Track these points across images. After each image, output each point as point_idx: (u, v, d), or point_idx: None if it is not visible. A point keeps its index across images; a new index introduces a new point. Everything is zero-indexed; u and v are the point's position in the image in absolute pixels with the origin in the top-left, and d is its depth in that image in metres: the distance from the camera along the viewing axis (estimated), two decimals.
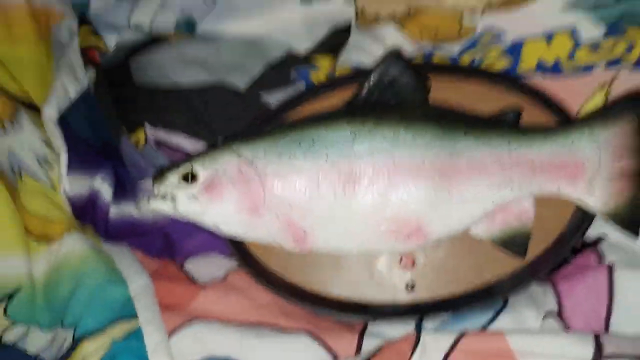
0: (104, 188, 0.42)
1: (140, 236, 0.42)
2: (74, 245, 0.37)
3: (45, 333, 0.36)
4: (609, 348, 0.31)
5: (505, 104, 0.37)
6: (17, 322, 0.37)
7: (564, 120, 0.37)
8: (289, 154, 0.34)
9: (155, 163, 0.43)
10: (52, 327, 0.36)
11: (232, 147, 0.35)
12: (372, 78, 0.35)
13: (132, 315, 0.35)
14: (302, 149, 0.33)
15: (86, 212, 0.42)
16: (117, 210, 0.43)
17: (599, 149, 0.34)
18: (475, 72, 0.39)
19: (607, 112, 0.34)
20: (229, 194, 0.33)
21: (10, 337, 0.37)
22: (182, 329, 0.35)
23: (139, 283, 0.36)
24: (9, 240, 0.37)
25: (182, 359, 0.33)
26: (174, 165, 0.35)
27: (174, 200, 0.34)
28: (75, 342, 0.33)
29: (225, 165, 0.34)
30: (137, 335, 0.33)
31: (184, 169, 0.34)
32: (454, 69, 0.40)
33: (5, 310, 0.37)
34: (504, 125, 0.35)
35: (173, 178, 0.34)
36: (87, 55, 0.46)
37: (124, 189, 0.44)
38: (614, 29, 0.38)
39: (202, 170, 0.34)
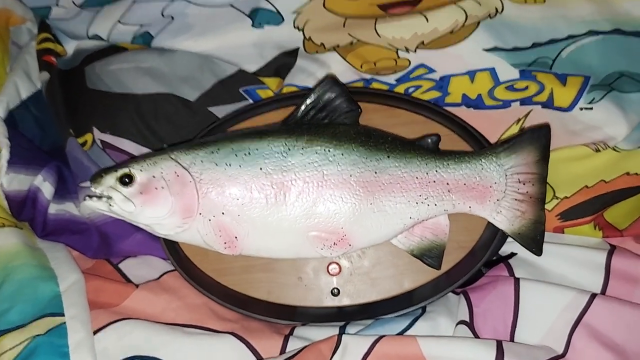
0: (44, 186, 0.40)
1: (78, 234, 0.40)
2: (5, 240, 0.35)
3: None
4: (508, 355, 0.33)
5: (428, 129, 0.39)
6: None
7: (478, 147, 0.39)
8: (225, 162, 0.34)
9: (100, 164, 0.42)
10: None
11: (171, 154, 0.34)
12: (309, 99, 0.36)
13: (60, 312, 0.33)
14: (237, 159, 0.34)
15: (25, 209, 0.40)
16: (58, 209, 0.41)
17: (505, 175, 0.36)
18: (404, 100, 0.41)
19: (512, 143, 0.36)
20: (163, 198, 0.33)
21: None
22: (109, 327, 0.33)
23: (70, 280, 0.35)
24: None
25: (105, 356, 0.32)
26: (113, 167, 0.35)
27: (109, 200, 0.33)
28: None
29: (162, 170, 0.34)
30: (60, 331, 0.32)
31: (121, 171, 0.33)
32: (386, 95, 0.41)
33: None
34: (424, 148, 0.36)
35: (110, 179, 0.33)
36: (44, 59, 0.45)
37: (67, 188, 0.42)
38: (526, 74, 0.40)
39: (139, 173, 0.34)
